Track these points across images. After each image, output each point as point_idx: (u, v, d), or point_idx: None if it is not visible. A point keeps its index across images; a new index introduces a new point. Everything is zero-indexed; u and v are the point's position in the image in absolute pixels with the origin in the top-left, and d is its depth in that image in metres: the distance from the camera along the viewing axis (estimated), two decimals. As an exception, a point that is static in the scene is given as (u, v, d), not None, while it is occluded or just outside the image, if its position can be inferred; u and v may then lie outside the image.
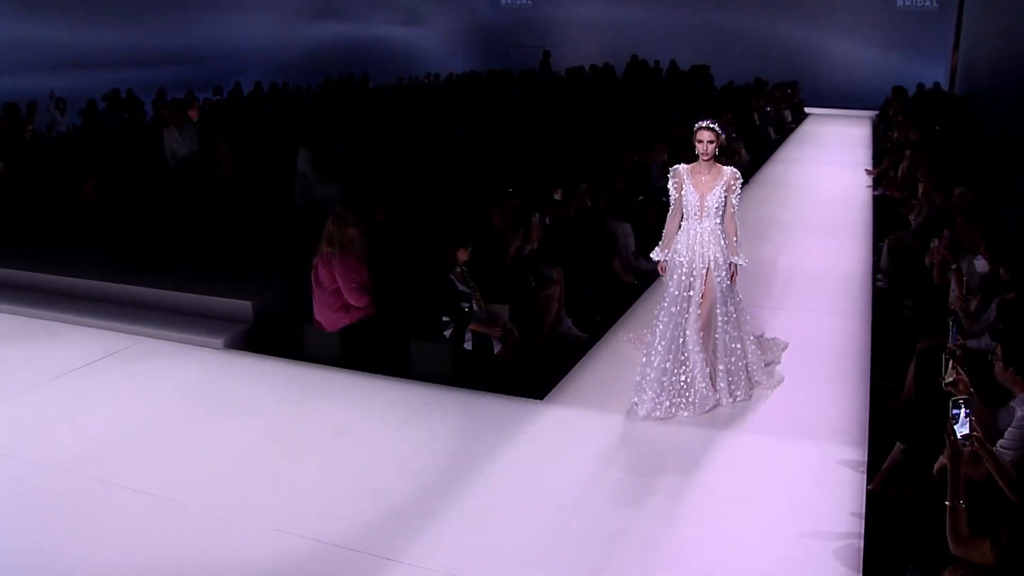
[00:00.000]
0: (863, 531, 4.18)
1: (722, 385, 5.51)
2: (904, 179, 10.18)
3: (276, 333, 6.85)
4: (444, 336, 6.07)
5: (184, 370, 6.34)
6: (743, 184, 5.49)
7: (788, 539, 4.16)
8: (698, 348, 5.42)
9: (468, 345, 6.05)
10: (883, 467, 4.52)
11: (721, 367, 5.51)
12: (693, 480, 4.74)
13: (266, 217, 8.58)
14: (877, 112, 20.61)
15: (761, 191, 12.87)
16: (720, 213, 5.41)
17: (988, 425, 3.85)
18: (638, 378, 5.54)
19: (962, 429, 3.12)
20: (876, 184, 12.58)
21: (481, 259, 6.52)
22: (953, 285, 5.83)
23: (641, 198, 9.40)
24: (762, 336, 6.52)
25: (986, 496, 3.28)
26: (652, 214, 9.39)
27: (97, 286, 7.63)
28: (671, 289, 5.49)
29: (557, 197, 7.85)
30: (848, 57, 25.89)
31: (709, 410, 5.44)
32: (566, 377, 6.12)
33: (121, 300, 7.48)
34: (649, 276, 8.38)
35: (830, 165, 15.12)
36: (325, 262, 6.24)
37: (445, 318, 6.07)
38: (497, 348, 6.09)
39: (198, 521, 4.39)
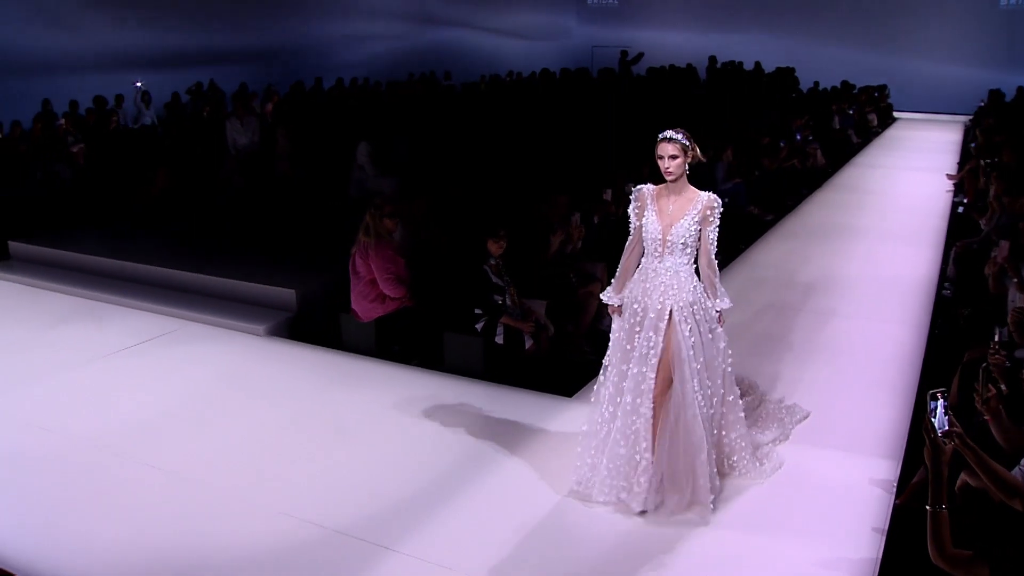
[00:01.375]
0: (883, 547, 3.97)
1: (692, 480, 4.22)
2: (982, 184, 9.72)
3: (315, 322, 6.93)
4: (476, 329, 6.03)
5: (223, 355, 6.46)
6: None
7: (802, 550, 3.98)
8: (646, 424, 4.22)
9: (500, 339, 5.99)
10: (912, 481, 4.29)
11: (694, 456, 4.20)
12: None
13: (320, 208, 8.69)
14: (971, 117, 19.75)
15: (836, 195, 12.48)
16: (688, 251, 4.21)
17: (1016, 444, 3.60)
18: (578, 448, 4.50)
19: (941, 425, 2.90)
20: (958, 190, 12.07)
21: (520, 254, 6.45)
22: (1011, 294, 5.52)
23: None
24: (777, 404, 5.36)
25: (974, 505, 3.06)
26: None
27: (153, 271, 7.86)
28: (616, 339, 4.38)
29: (607, 197, 7.74)
30: (944, 60, 24.83)
31: (655, 508, 4.24)
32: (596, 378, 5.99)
33: (174, 285, 7.69)
34: (702, 278, 8.21)
35: (913, 171, 14.55)
36: (362, 252, 6.27)
37: (478, 310, 6.02)
38: (529, 343, 6.02)
39: (210, 500, 4.46)
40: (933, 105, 23.52)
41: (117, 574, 3.90)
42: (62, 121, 13.48)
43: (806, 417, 5.23)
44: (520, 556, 3.94)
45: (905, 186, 13.33)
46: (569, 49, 30.21)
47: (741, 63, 22.17)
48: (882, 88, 21.40)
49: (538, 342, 6.08)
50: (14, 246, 8.81)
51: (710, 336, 4.27)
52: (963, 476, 3.54)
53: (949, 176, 13.13)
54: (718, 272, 4.35)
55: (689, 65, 21.97)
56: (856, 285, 8.09)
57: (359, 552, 3.98)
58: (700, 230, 4.22)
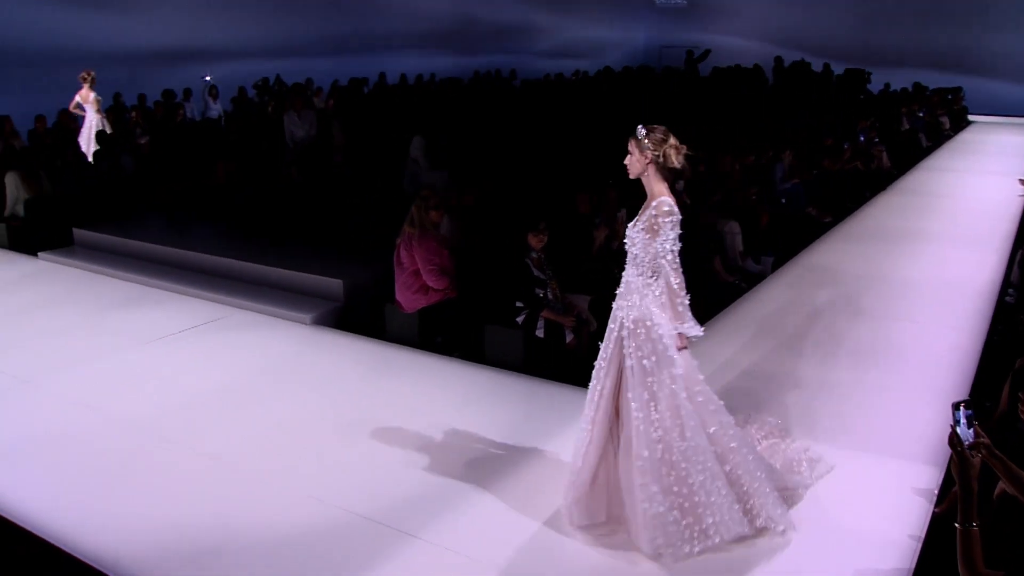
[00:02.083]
0: (918, 555, 3.84)
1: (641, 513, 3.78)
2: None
3: (361, 312, 7.00)
4: (517, 322, 6.01)
5: (269, 342, 6.56)
6: None
7: (835, 554, 3.87)
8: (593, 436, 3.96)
9: (540, 333, 5.96)
10: (953, 490, 4.13)
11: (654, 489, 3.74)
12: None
13: (371, 200, 8.76)
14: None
15: (900, 199, 12.15)
16: (638, 261, 3.81)
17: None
18: None
19: (967, 437, 2.73)
20: (1031, 195, 11.66)
21: (565, 248, 6.42)
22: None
23: (755, 197, 9.04)
24: (802, 456, 4.59)
25: (1013, 513, 2.90)
26: (767, 215, 9.06)
27: (207, 259, 8.04)
28: None
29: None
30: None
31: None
32: (640, 373, 5.92)
33: (226, 273, 7.86)
34: (755, 278, 8.07)
35: (984, 174, 14.09)
36: (406, 243, 6.31)
37: (519, 303, 6.01)
38: (569, 338, 5.98)
39: (244, 482, 4.54)
40: (1012, 108, 22.74)
41: (148, 550, 3.97)
42: (132, 114, 13.88)
43: (830, 470, 4.51)
44: (541, 551, 3.91)
45: (974, 190, 12.91)
46: (640, 51, 30.02)
47: (809, 64, 21.75)
48: (956, 90, 20.78)
49: (579, 337, 6.04)
50: (78, 233, 9.11)
51: (653, 359, 3.76)
52: (1001, 484, 3.40)
53: (1022, 181, 12.68)
54: (679, 292, 3.79)
55: (756, 66, 21.66)
56: (915, 289, 7.86)
57: (379, 536, 4.01)
58: (649, 240, 3.75)
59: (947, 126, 18.28)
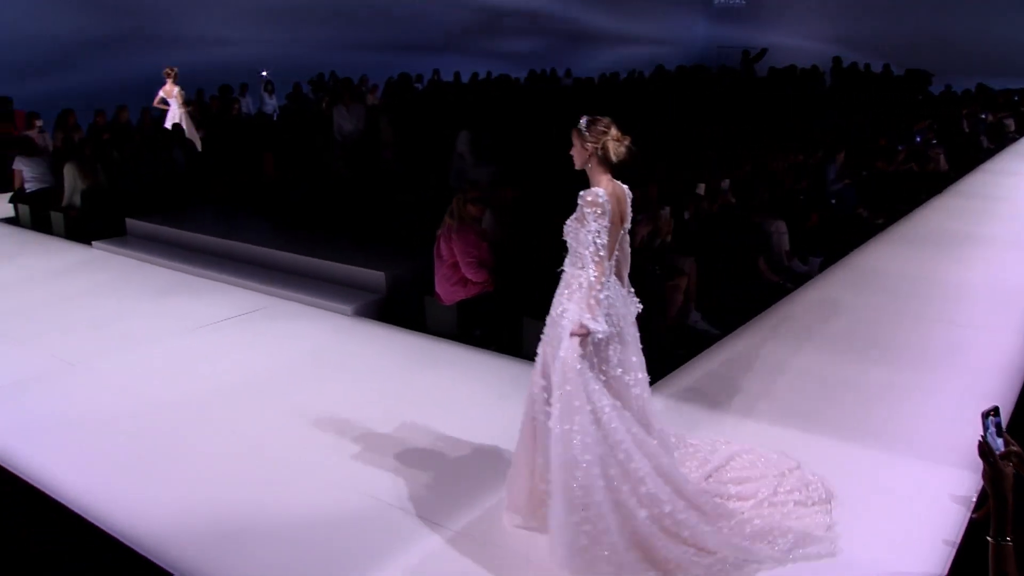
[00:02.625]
0: (951, 561, 3.75)
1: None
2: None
3: (403, 304, 7.05)
4: (554, 317, 6.00)
5: (309, 332, 6.64)
6: None
7: (867, 557, 3.79)
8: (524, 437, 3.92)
9: (577, 328, 5.94)
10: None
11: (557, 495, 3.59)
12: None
13: (417, 194, 8.82)
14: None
15: (958, 201, 11.83)
16: (574, 252, 3.68)
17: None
18: None
19: (998, 447, 2.61)
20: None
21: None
22: None
23: (802, 196, 8.90)
24: (791, 525, 3.90)
25: None
26: (817, 214, 8.92)
27: (253, 250, 8.18)
28: None
29: (700, 192, 7.57)
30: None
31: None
32: (677, 371, 5.87)
33: (270, 264, 7.99)
34: (801, 278, 7.94)
35: (1049, 178, 13.68)
36: (446, 236, 6.34)
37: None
38: (606, 334, 5.94)
39: (275, 468, 4.60)
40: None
41: (181, 531, 4.05)
42: (191, 108, 14.15)
43: (825, 556, 3.76)
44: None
45: (1038, 194, 12.55)
46: (695, 51, 29.80)
47: (868, 64, 21.33)
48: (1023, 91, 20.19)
49: (616, 333, 5.99)
50: (130, 223, 9.33)
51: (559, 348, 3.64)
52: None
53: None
54: (595, 285, 3.61)
55: (814, 66, 21.31)
56: (969, 293, 7.66)
57: (403, 524, 4.04)
58: (579, 229, 3.63)
59: (1012, 128, 17.76)
